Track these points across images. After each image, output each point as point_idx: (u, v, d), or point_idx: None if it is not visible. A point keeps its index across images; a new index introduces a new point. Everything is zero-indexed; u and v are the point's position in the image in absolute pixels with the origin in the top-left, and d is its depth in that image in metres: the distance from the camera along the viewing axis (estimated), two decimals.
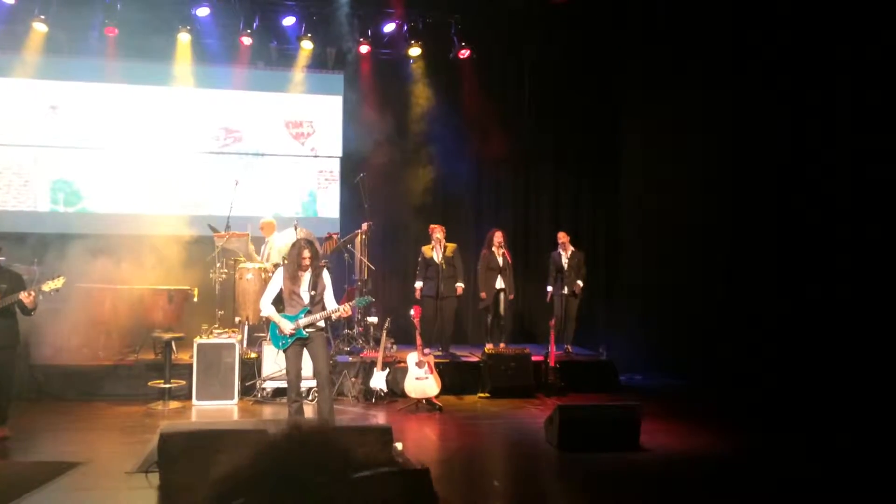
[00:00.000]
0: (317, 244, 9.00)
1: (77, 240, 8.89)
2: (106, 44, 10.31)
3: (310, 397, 7.88)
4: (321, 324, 6.46)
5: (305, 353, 6.45)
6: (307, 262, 6.32)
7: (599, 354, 9.83)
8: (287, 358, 6.45)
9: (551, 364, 8.75)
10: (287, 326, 6.29)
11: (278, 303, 6.54)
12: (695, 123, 9.91)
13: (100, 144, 10.72)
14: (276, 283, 6.50)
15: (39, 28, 9.98)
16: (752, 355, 8.76)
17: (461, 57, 11.10)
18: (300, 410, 6.54)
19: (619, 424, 6.41)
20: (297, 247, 6.42)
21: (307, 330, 6.32)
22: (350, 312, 6.80)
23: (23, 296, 6.16)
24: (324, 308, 6.38)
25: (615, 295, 11.35)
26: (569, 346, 9.80)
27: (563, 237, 9.91)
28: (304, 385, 7.49)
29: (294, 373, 6.40)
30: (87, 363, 8.35)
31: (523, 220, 11.78)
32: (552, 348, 8.81)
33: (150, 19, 10.15)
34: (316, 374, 6.51)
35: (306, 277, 6.40)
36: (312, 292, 6.37)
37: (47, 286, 6.32)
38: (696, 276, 9.79)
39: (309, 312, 6.32)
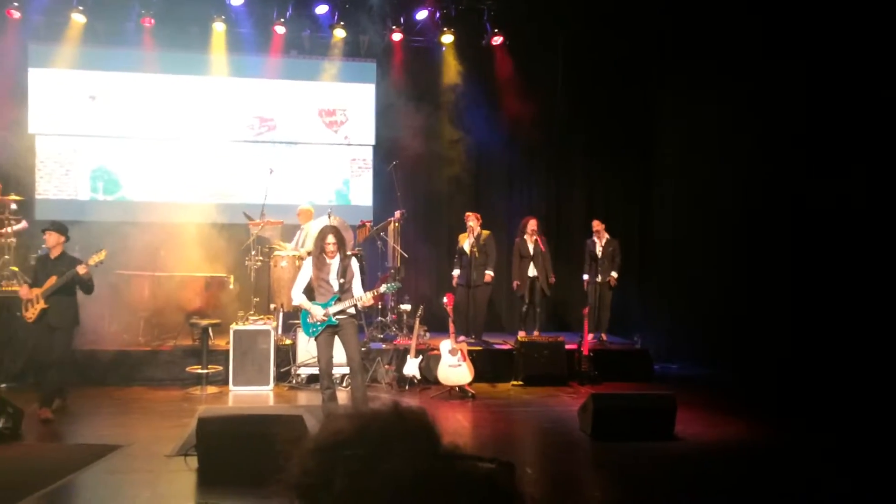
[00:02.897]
0: (349, 232, 9.09)
1: (116, 227, 9.05)
2: (143, 34, 10.46)
3: (343, 384, 7.95)
4: (352, 311, 6.50)
5: (337, 340, 6.51)
6: (331, 247, 6.36)
7: (634, 343, 9.76)
8: (318, 345, 6.51)
9: (585, 352, 8.71)
10: (318, 313, 6.35)
11: (310, 291, 6.60)
12: (730, 112, 9.72)
13: (138, 133, 10.89)
14: (307, 271, 6.57)
15: (78, 19, 10.16)
16: (789, 344, 8.63)
17: (493, 44, 11.04)
18: (333, 397, 6.60)
19: (653, 413, 6.36)
20: (321, 234, 6.48)
21: (337, 317, 6.37)
22: (373, 301, 6.80)
23: (80, 268, 6.62)
24: (352, 296, 6.43)
25: (650, 283, 11.23)
26: (603, 335, 9.75)
27: (597, 225, 9.86)
28: (338, 372, 7.57)
29: (325, 360, 6.46)
30: (127, 349, 8.52)
31: (556, 208, 11.72)
32: (586, 336, 8.76)
33: (186, 9, 10.28)
34: (349, 361, 6.57)
35: (335, 266, 6.45)
36: (341, 280, 6.42)
37: (92, 260, 6.75)
38: (732, 265, 9.65)
39: (339, 300, 6.38)
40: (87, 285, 6.81)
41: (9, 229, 8.91)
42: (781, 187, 9.05)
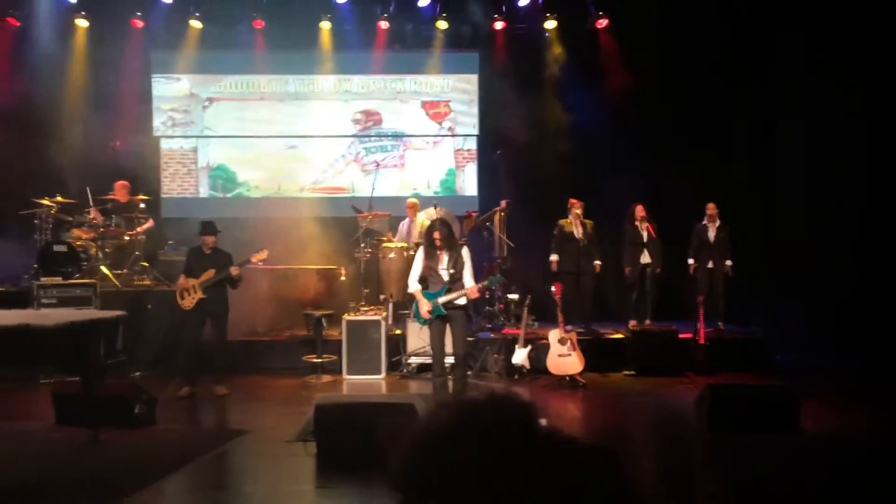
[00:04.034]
0: (455, 224, 9.13)
1: (235, 223, 9.46)
2: (254, 36, 10.89)
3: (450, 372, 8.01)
4: (461, 301, 6.53)
5: (449, 328, 6.58)
6: (439, 242, 6.42)
7: (753, 332, 9.34)
8: (430, 333, 6.62)
9: (700, 342, 8.41)
10: (423, 307, 6.43)
11: (423, 280, 6.68)
12: (851, 97, 9.12)
13: (252, 132, 11.38)
14: (419, 261, 6.65)
15: (195, 25, 10.68)
16: None
17: (598, 27, 10.80)
18: (444, 385, 6.67)
19: (776, 405, 6.05)
20: (430, 227, 6.55)
21: (447, 308, 6.42)
22: (476, 295, 6.81)
23: (233, 269, 7.33)
24: (463, 286, 6.46)
25: (771, 269, 10.68)
26: (720, 323, 9.37)
27: (712, 209, 9.50)
28: (448, 361, 7.63)
29: (437, 348, 6.54)
30: (249, 339, 8.92)
31: (664, 193, 11.30)
32: (701, 325, 8.46)
33: (294, 10, 10.62)
34: (453, 352, 6.63)
35: (445, 256, 6.50)
36: (452, 270, 6.46)
37: (255, 258, 7.52)
38: (862, 248, 9.07)
39: (448, 291, 6.43)
40: (236, 282, 7.53)
41: (139, 229, 9.50)
42: None
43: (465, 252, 6.63)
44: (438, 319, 6.48)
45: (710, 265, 9.38)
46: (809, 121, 9.86)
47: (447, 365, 7.85)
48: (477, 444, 0.85)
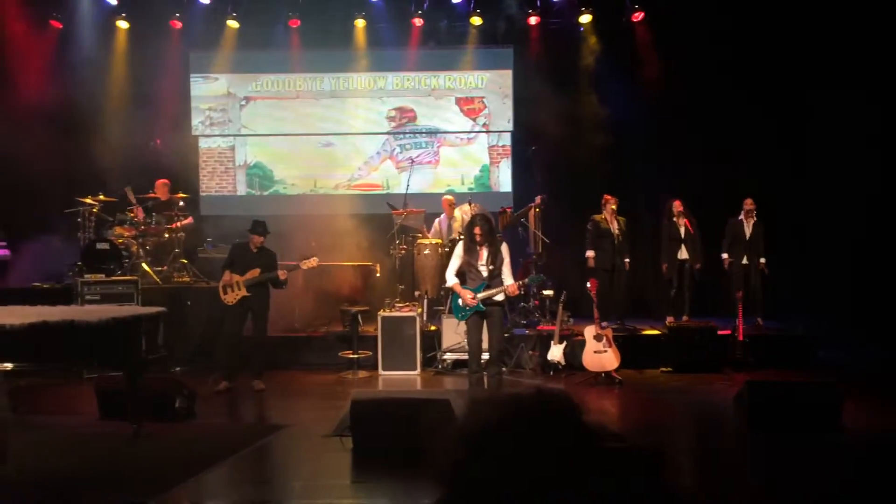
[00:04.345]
0: (492, 220, 9.11)
1: (271, 221, 9.55)
2: (290, 35, 11.00)
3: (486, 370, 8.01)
4: (499, 298, 6.50)
5: (486, 324, 6.56)
6: (479, 237, 6.40)
7: (794, 328, 9.17)
8: (468, 329, 6.59)
9: (739, 338, 8.29)
10: (466, 297, 6.42)
11: (461, 275, 6.67)
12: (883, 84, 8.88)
13: (288, 131, 11.49)
14: (458, 256, 6.63)
15: (232, 24, 10.82)
16: None
17: (634, 20, 10.67)
18: (480, 381, 6.65)
19: (817, 402, 5.94)
20: (471, 222, 6.53)
21: (485, 304, 6.41)
22: (516, 292, 6.75)
23: (280, 273, 7.45)
24: (501, 283, 6.43)
25: (813, 264, 10.47)
26: (759, 319, 9.22)
27: (749, 204, 9.33)
28: (484, 357, 7.63)
29: (475, 343, 6.51)
30: (285, 335, 9.02)
31: (702, 189, 11.14)
32: (740, 321, 8.33)
33: (329, 8, 10.71)
34: (489, 349, 6.61)
35: (484, 252, 6.48)
36: (491, 267, 6.43)
37: (305, 265, 7.66)
38: None
39: (487, 287, 6.40)
40: (281, 284, 7.66)
41: (177, 224, 9.66)
42: None
43: (505, 248, 6.58)
44: (476, 315, 6.47)
45: (745, 261, 9.23)
46: (853, 111, 9.65)
47: (482, 361, 7.87)
48: (524, 440, 0.85)
